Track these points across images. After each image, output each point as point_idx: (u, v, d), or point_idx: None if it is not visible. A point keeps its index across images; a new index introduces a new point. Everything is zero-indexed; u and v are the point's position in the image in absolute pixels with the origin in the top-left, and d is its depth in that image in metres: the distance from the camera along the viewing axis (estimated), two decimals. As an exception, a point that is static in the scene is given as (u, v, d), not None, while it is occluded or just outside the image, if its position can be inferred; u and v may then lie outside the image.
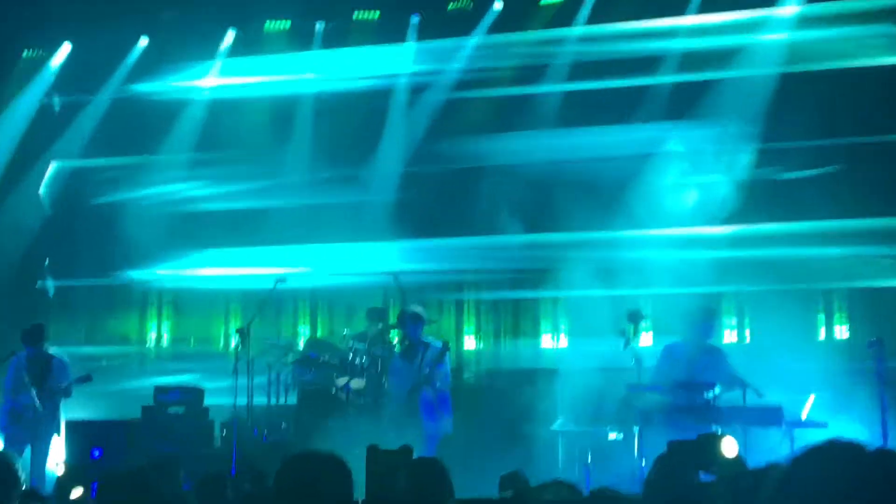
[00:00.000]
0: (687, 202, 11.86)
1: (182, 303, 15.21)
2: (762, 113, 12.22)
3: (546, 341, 13.87)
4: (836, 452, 2.22)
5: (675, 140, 12.19)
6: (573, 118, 13.08)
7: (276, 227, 13.69)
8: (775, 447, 8.59)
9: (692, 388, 8.89)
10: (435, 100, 13.94)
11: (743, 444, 5.81)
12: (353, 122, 13.98)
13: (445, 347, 9.71)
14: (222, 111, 14.39)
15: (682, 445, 5.38)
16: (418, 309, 10.40)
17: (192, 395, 11.55)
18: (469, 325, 14.29)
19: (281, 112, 14.37)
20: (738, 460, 5.28)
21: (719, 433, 5.59)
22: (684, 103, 12.48)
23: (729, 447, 5.36)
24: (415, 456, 6.16)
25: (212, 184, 13.92)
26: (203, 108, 14.61)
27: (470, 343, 14.18)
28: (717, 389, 8.92)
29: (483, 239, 13.25)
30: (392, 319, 12.50)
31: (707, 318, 9.67)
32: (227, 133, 14.23)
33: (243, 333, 11.14)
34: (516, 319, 14.14)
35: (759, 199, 11.74)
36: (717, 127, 12.02)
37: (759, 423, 8.55)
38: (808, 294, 12.25)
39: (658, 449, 7.88)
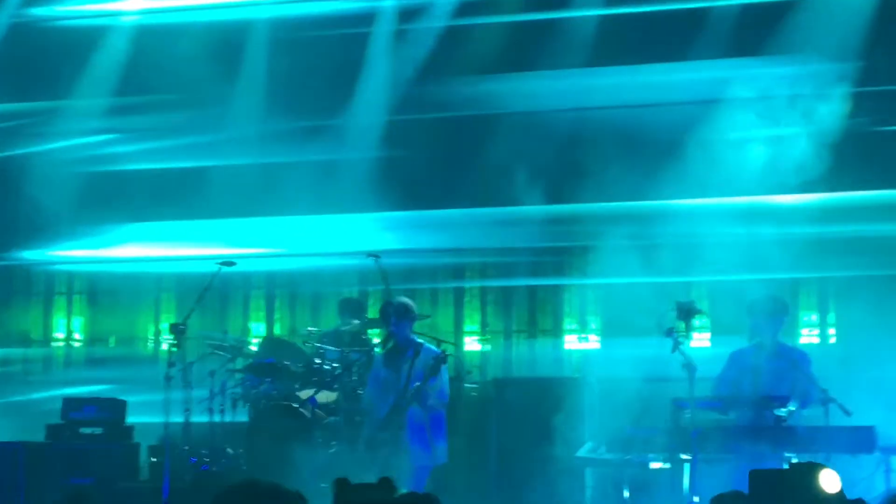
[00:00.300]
0: (756, 163, 11.85)
1: (99, 292, 15.20)
2: (856, 46, 12.17)
3: (571, 342, 13.88)
4: None
5: (741, 83, 12.16)
6: (608, 53, 13.04)
7: (222, 194, 13.66)
8: (867, 479, 8.60)
9: (759, 405, 8.88)
10: (430, 28, 13.89)
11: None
12: (321, 57, 13.92)
13: (442, 357, 9.70)
14: (150, 43, 14.33)
15: (767, 476, 5.42)
16: (407, 301, 10.38)
17: (112, 411, 11.55)
18: (472, 322, 14.31)
19: (227, 44, 14.31)
20: (841, 498, 5.31)
21: (807, 463, 5.60)
22: (753, 33, 12.43)
23: (830, 481, 5.39)
24: (400, 492, 6.16)
25: (137, 137, 13.88)
26: (125, 37, 14.56)
27: (473, 344, 14.20)
28: (792, 405, 8.92)
29: (490, 210, 13.24)
30: (372, 314, 12.49)
31: (776, 311, 9.68)
32: (157, 72, 14.17)
33: (179, 331, 11.12)
34: (533, 314, 14.15)
35: (849, 160, 11.72)
36: (796, 65, 11.98)
37: (845, 448, 8.56)
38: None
39: (715, 482, 7.91)
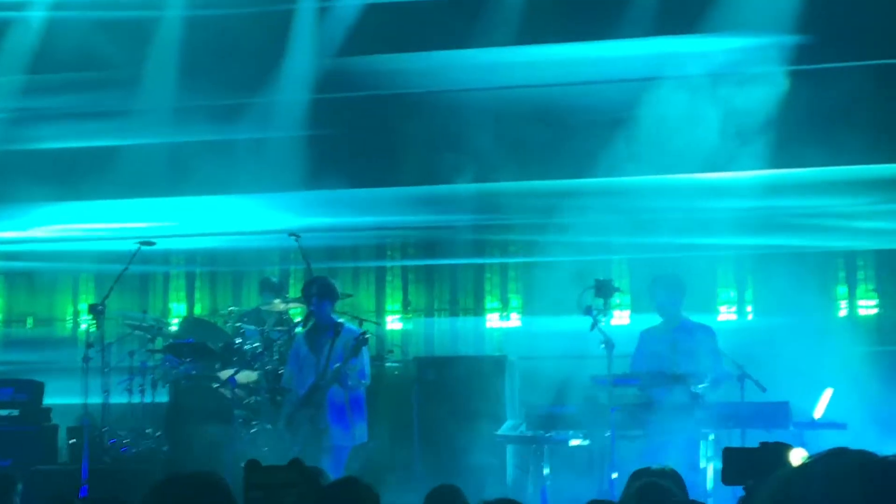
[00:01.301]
0: (682, 141, 11.91)
1: (16, 274, 14.97)
2: (794, 22, 12.17)
3: (492, 320, 13.91)
4: (841, 465, 2.29)
5: (675, 60, 12.22)
6: (537, 30, 13.02)
7: (140, 174, 13.52)
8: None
9: (675, 381, 8.98)
10: (353, 5, 13.79)
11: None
12: (239, 35, 13.79)
13: (364, 338, 9.67)
14: (62, 22, 14.08)
15: (739, 455, 5.48)
16: (328, 280, 10.35)
17: (29, 393, 11.43)
18: (394, 301, 14.29)
19: (136, 17, 14.09)
20: None
21: (776, 443, 5.65)
22: (690, 9, 12.42)
23: (799, 460, 5.45)
24: (319, 471, 6.14)
25: (52, 116, 13.65)
26: (37, 16, 14.28)
27: (394, 323, 14.19)
28: (708, 381, 9.03)
29: (412, 189, 13.22)
30: (294, 293, 12.45)
31: (673, 289, 9.79)
32: (62, 48, 13.92)
33: (97, 312, 11.02)
34: (454, 292, 14.16)
35: (778, 137, 11.74)
36: (732, 42, 12.00)
37: (760, 424, 8.68)
38: (826, 258, 12.42)
39: (634, 458, 7.98)
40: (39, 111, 13.57)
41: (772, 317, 11.77)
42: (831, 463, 2.32)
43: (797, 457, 5.50)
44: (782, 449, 5.53)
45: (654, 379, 9.17)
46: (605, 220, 11.93)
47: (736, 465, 5.58)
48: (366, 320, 11.31)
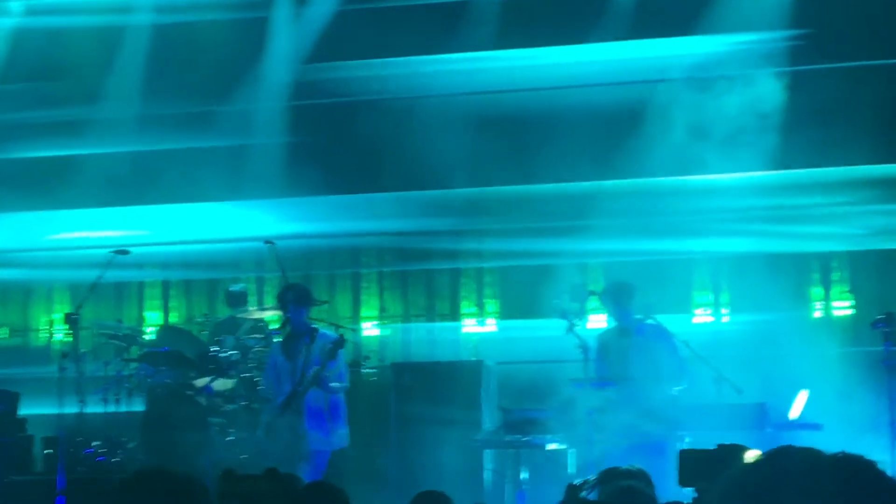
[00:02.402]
0: (667, 143, 11.93)
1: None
2: (788, 23, 12.16)
3: (469, 325, 13.91)
4: (787, 461, 2.36)
5: (655, 63, 12.24)
6: (519, 33, 13.01)
7: (113, 183, 13.48)
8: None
9: (651, 384, 8.99)
10: (327, 11, 13.75)
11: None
12: (211, 36, 13.75)
13: (340, 341, 9.67)
14: (31, 29, 13.99)
15: (695, 456, 5.48)
16: (303, 287, 10.33)
17: (4, 403, 11.38)
18: (370, 307, 14.26)
19: (103, 27, 14.00)
20: None
21: (732, 444, 5.67)
22: (683, 11, 12.42)
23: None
24: (298, 476, 6.13)
25: (19, 124, 13.58)
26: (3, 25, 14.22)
27: (371, 329, 14.16)
28: (684, 384, 9.05)
29: (387, 195, 13.21)
30: (269, 301, 12.42)
31: (620, 294, 9.78)
32: (30, 56, 13.84)
33: (72, 321, 10.97)
34: (430, 298, 14.15)
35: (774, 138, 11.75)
36: (726, 42, 12.01)
37: (736, 425, 8.68)
38: (801, 259, 12.46)
39: (611, 461, 7.99)
40: (9, 120, 13.51)
41: (747, 318, 11.80)
42: (777, 461, 2.39)
43: (752, 458, 5.51)
44: (738, 450, 5.55)
45: (629, 383, 9.18)
46: (584, 224, 11.94)
47: (692, 466, 5.59)
48: (342, 327, 11.29)
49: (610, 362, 9.62)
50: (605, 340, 9.83)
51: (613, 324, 9.95)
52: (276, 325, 11.08)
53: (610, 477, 5.39)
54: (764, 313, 11.34)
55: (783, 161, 11.71)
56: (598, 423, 8.87)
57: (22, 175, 13.62)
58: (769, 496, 2.32)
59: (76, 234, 13.64)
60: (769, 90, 11.58)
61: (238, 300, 12.27)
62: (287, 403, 9.59)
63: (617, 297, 9.81)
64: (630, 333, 9.69)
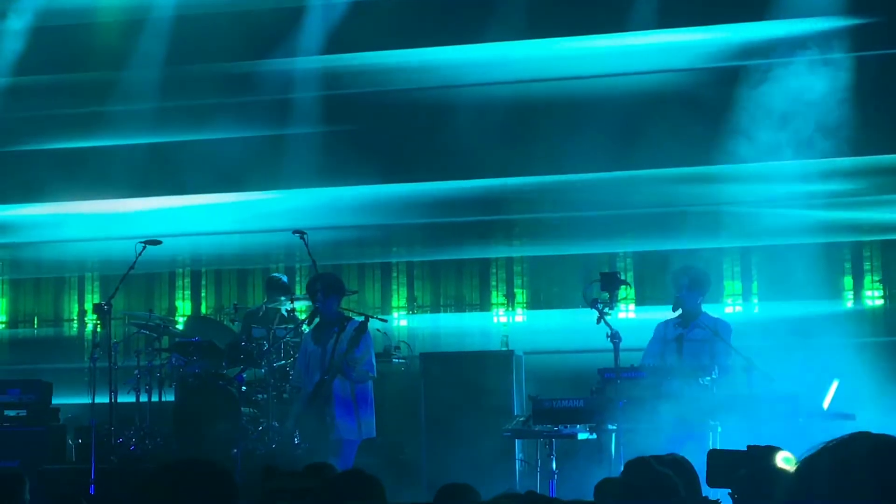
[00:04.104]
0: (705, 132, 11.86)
1: (20, 274, 14.97)
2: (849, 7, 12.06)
3: (498, 315, 13.90)
4: (862, 448, 2.31)
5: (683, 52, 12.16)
6: (549, 23, 12.98)
7: (147, 172, 13.53)
8: (789, 446, 8.68)
9: (682, 374, 8.95)
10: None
11: (748, 443, 5.84)
12: (243, 25, 13.74)
13: (363, 325, 9.65)
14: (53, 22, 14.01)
15: (724, 457, 5.44)
16: (333, 275, 10.34)
17: (37, 393, 11.42)
18: (399, 297, 14.28)
19: (127, 21, 14.04)
20: None
21: (763, 445, 5.62)
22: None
23: (786, 462, 5.41)
24: (327, 464, 6.13)
25: (51, 116, 13.64)
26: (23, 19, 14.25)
27: (401, 319, 14.18)
28: (715, 374, 9.00)
29: (417, 186, 13.22)
30: (300, 291, 12.43)
31: (697, 283, 9.73)
32: (58, 48, 13.86)
33: (103, 311, 11.01)
34: (460, 288, 14.15)
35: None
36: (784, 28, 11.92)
37: (769, 415, 8.63)
38: (833, 249, 12.39)
39: (641, 451, 7.95)
40: (41, 112, 13.57)
41: (778, 308, 11.75)
42: (853, 445, 2.40)
43: (783, 459, 5.47)
44: (769, 452, 5.49)
45: (661, 372, 9.14)
46: (612, 215, 11.91)
47: (721, 467, 5.54)
48: (373, 317, 11.29)
49: (663, 351, 9.58)
50: (666, 330, 9.76)
51: (674, 313, 9.83)
52: (306, 315, 11.10)
53: (640, 465, 5.36)
54: (795, 303, 11.29)
55: (814, 150, 11.64)
56: (628, 414, 8.83)
57: (53, 166, 13.69)
58: (846, 479, 2.31)
59: (107, 225, 13.71)
60: (803, 78, 11.51)
61: (281, 287, 12.27)
62: (316, 392, 9.58)
63: (693, 286, 9.72)
64: (695, 325, 9.63)
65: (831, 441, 2.42)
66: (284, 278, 12.80)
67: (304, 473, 4.76)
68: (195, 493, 3.49)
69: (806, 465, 2.36)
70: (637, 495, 5.07)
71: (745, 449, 5.56)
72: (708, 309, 9.96)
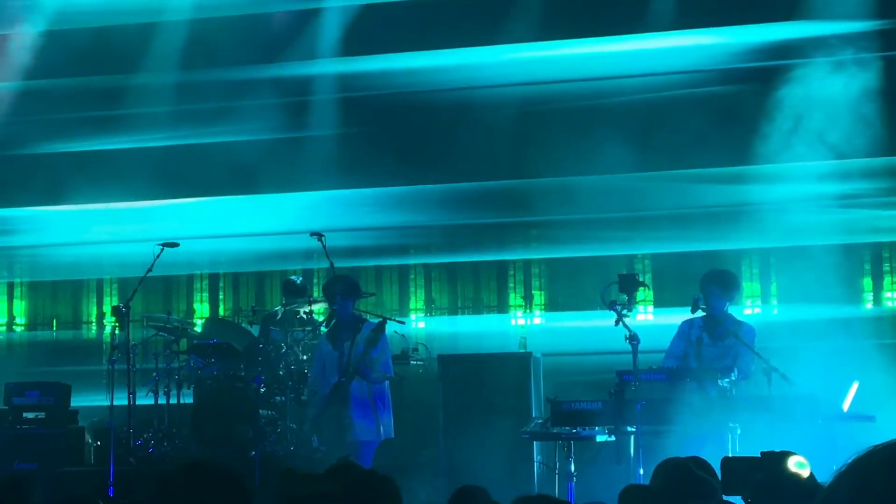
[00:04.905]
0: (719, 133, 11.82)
1: (39, 276, 15.01)
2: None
3: (517, 317, 13.89)
4: (878, 462, 2.25)
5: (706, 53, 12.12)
6: (565, 24, 12.97)
7: (157, 175, 13.56)
8: (809, 447, 8.65)
9: (701, 376, 8.92)
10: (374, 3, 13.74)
11: (767, 445, 5.81)
12: (259, 28, 13.76)
13: (381, 326, 9.65)
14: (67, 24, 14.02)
15: (738, 464, 5.43)
16: (350, 278, 10.33)
17: (55, 395, 11.42)
18: (417, 299, 14.27)
19: (143, 25, 14.05)
20: (813, 482, 5.27)
21: (777, 451, 5.60)
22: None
23: (800, 467, 5.38)
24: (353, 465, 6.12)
25: (65, 120, 13.66)
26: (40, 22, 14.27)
27: (418, 321, 14.17)
28: (734, 376, 8.97)
29: (434, 187, 13.21)
30: (317, 293, 12.43)
31: (727, 285, 9.69)
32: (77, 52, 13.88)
33: (121, 314, 11.02)
34: (477, 290, 14.14)
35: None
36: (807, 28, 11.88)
37: (788, 416, 8.60)
38: (852, 250, 12.34)
39: (660, 453, 7.93)
40: (60, 116, 13.60)
41: (797, 310, 11.71)
42: (859, 467, 2.29)
43: (796, 463, 5.44)
44: (782, 457, 5.46)
45: (680, 374, 9.11)
46: (630, 216, 11.88)
47: (736, 474, 5.51)
48: (391, 319, 11.28)
49: (686, 351, 9.55)
50: (690, 330, 9.72)
51: (693, 314, 9.78)
52: (323, 317, 11.10)
53: (667, 462, 5.35)
54: (815, 305, 11.25)
55: (832, 151, 11.59)
56: (647, 416, 8.81)
57: (71, 169, 13.72)
58: (867, 498, 2.23)
59: (125, 228, 13.74)
60: (822, 80, 11.48)
61: (297, 291, 12.25)
62: (333, 394, 9.58)
63: (723, 288, 9.67)
64: (720, 328, 9.58)
65: (844, 465, 2.35)
66: (300, 281, 12.80)
67: (324, 477, 4.74)
68: (211, 496, 3.50)
69: (827, 491, 2.29)
70: (676, 499, 5.05)
71: (759, 455, 5.54)
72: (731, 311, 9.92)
